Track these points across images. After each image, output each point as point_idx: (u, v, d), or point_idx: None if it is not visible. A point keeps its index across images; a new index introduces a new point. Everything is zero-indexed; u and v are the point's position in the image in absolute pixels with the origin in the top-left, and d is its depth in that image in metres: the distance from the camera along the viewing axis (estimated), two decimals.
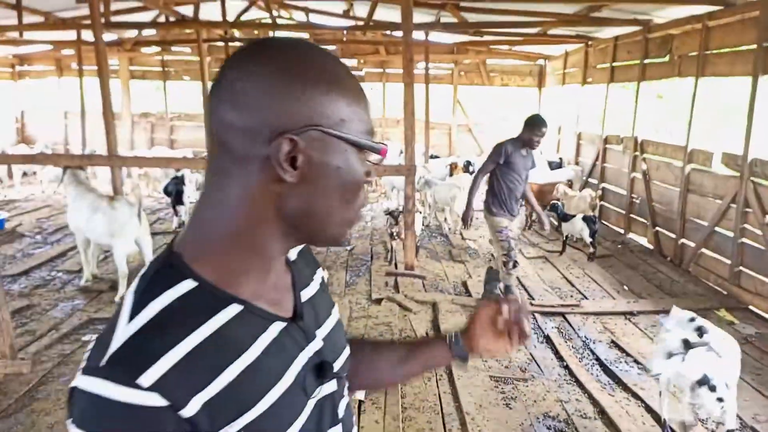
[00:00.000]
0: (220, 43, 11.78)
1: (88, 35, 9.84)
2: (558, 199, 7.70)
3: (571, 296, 5.74)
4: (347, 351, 0.93)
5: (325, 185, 0.73)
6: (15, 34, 9.96)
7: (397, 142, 10.25)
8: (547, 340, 4.70)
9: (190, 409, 0.64)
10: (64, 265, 6.45)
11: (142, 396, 0.61)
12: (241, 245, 0.73)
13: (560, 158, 10.70)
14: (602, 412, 3.61)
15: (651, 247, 7.60)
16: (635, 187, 8.12)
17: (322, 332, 0.86)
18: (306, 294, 0.87)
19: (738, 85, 6.17)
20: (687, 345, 2.70)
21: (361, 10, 10.04)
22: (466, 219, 5.18)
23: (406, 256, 6.34)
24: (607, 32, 8.94)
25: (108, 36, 9.83)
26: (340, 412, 0.87)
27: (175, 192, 8.23)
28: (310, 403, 0.80)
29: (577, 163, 10.31)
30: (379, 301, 5.49)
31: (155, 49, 13.71)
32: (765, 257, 5.42)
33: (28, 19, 8.50)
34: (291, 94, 0.69)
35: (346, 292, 5.76)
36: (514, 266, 5.06)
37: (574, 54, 10.90)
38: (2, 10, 7.99)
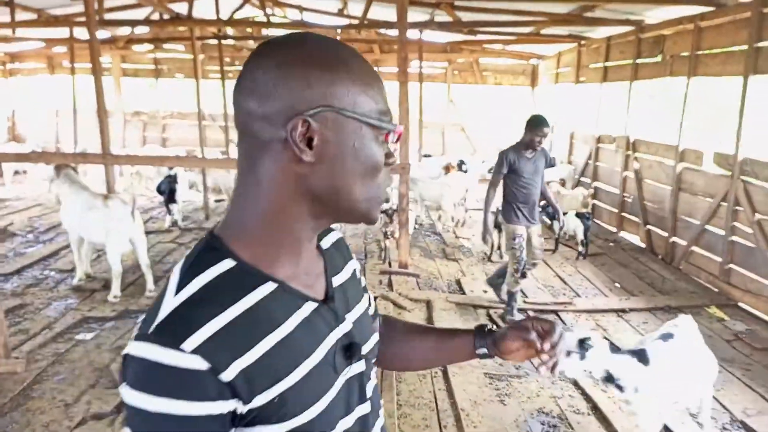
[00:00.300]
0: (214, 41, 11.73)
1: (80, 33, 9.81)
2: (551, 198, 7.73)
3: (564, 294, 5.78)
4: (376, 337, 0.99)
5: (343, 164, 0.77)
6: (7, 31, 9.90)
7: None
8: None
9: (229, 374, 0.70)
10: (56, 264, 6.42)
11: (186, 359, 0.68)
12: (273, 227, 0.79)
13: (553, 157, 10.70)
14: (595, 408, 3.65)
15: (643, 245, 7.66)
16: (627, 185, 8.19)
17: (351, 316, 0.91)
18: (337, 280, 0.92)
19: (729, 85, 6.22)
20: (582, 344, 2.71)
21: (355, 9, 10.04)
22: (485, 238, 5.00)
23: (400, 255, 6.37)
24: (600, 32, 9.00)
25: (101, 33, 9.78)
26: (369, 392, 0.92)
27: (168, 191, 8.21)
28: (340, 380, 0.84)
29: (570, 162, 10.38)
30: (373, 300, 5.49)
31: (148, 46, 13.64)
32: (755, 255, 5.49)
33: (21, 16, 8.44)
34: (303, 80, 0.74)
35: None
36: (523, 276, 4.97)
37: (567, 54, 10.96)
38: None
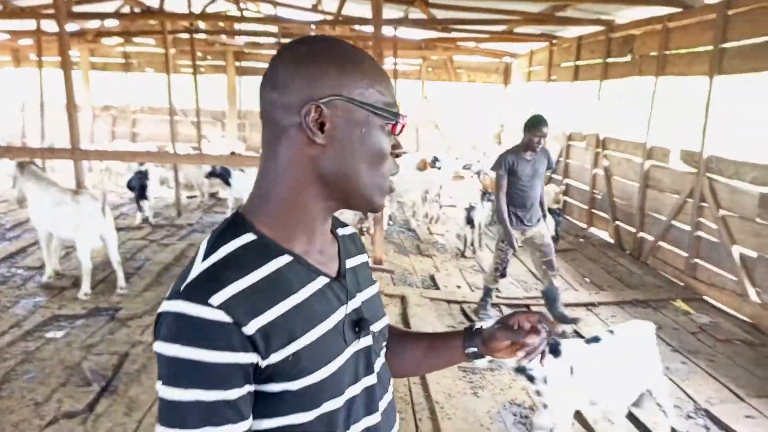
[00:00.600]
0: (186, 35, 11.57)
1: (47, 25, 9.58)
2: None
3: (536, 288, 5.87)
4: (386, 320, 1.07)
5: (352, 149, 0.87)
6: None
7: None
8: None
9: (250, 328, 0.79)
10: (24, 262, 6.28)
11: (213, 312, 0.77)
12: (289, 206, 0.89)
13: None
14: None
15: (612, 240, 7.83)
16: (597, 182, 8.35)
17: (362, 296, 1.00)
18: (350, 263, 1.01)
19: (695, 85, 6.39)
20: None
21: (330, 5, 9.99)
22: (511, 243, 4.79)
23: (374, 251, 6.39)
24: (572, 32, 9.14)
25: (69, 26, 9.56)
26: (376, 367, 0.99)
27: (138, 187, 8.09)
28: (348, 351, 0.92)
29: None
30: None
31: (118, 40, 13.37)
32: (719, 250, 5.66)
33: None
34: (317, 72, 0.85)
35: None
36: (502, 276, 5.02)
37: (539, 52, 11.10)
38: None
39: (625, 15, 7.47)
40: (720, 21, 5.61)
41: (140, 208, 8.20)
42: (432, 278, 6.14)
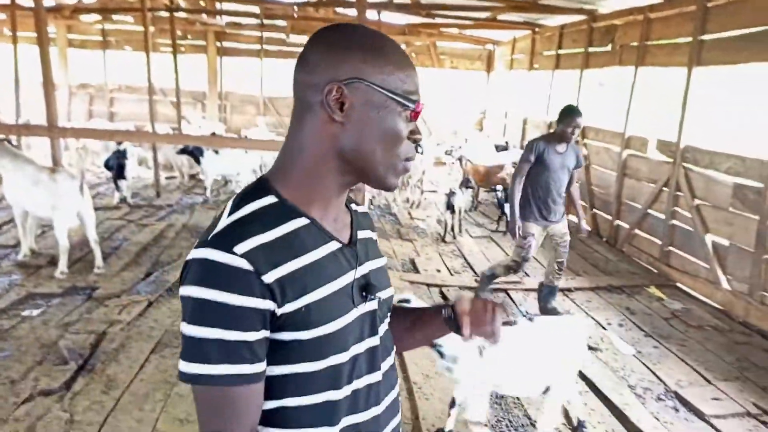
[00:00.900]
0: (166, 14, 11.36)
1: None
2: (504, 179, 7.93)
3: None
4: (392, 290, 1.15)
5: (370, 129, 0.95)
6: None
7: None
8: None
9: (268, 278, 0.88)
10: None
11: (237, 260, 0.86)
12: (309, 176, 0.98)
13: (506, 141, 10.98)
14: None
15: (589, 228, 7.92)
16: None
17: (370, 265, 1.08)
18: (361, 234, 1.10)
19: (674, 76, 6.48)
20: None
21: None
22: (513, 231, 4.62)
23: None
24: (554, 20, 9.18)
25: (46, 1, 9.33)
26: (380, 331, 1.08)
27: (116, 166, 7.96)
28: (355, 311, 1.00)
29: (522, 147, 10.59)
30: None
31: (96, 17, 13.08)
32: (693, 238, 5.79)
33: None
34: (343, 56, 0.93)
35: None
36: (515, 272, 4.84)
37: (521, 40, 11.14)
38: None
39: (607, 5, 7.52)
40: (700, 13, 5.69)
41: (118, 188, 8.09)
42: (412, 262, 6.19)
